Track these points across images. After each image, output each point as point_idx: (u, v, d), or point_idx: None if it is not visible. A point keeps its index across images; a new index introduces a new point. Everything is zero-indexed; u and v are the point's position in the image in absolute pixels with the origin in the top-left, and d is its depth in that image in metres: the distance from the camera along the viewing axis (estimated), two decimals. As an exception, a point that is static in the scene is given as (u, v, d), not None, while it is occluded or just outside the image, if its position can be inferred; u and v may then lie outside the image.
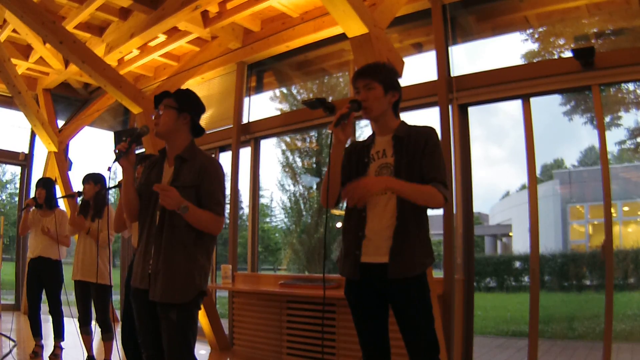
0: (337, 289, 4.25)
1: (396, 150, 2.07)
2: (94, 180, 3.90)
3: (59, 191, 6.37)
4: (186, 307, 2.12)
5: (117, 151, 2.16)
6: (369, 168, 2.11)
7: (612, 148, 12.55)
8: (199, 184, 2.17)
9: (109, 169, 2.25)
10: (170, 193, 2.05)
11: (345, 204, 2.17)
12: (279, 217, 13.43)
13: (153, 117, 2.28)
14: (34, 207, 4.31)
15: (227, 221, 5.65)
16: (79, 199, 4.04)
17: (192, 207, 2.09)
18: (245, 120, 5.70)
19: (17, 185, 9.17)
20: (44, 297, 4.34)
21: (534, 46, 4.36)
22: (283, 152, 10.52)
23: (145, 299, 2.14)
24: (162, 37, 5.52)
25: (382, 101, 2.08)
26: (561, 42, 4.24)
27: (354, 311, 2.11)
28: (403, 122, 2.17)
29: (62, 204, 4.59)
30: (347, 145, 2.16)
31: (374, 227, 2.02)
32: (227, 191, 5.49)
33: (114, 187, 3.58)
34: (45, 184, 4.37)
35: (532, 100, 3.84)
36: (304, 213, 11.12)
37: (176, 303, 2.10)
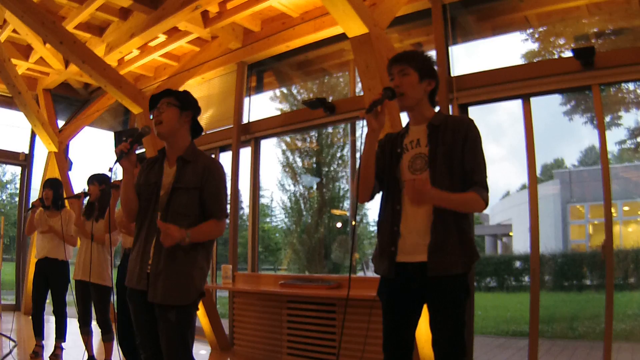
0: (337, 288, 4.25)
1: (431, 139, 1.95)
2: (99, 181, 3.90)
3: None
4: (185, 309, 2.12)
5: (118, 152, 2.13)
6: (402, 159, 2.00)
7: (612, 148, 12.59)
8: (202, 186, 2.17)
9: (111, 169, 2.24)
10: (171, 232, 2.02)
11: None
12: (279, 217, 13.46)
13: (152, 117, 2.23)
14: (40, 208, 4.31)
15: (227, 221, 5.63)
16: (84, 200, 4.03)
17: (193, 231, 2.08)
18: (245, 120, 5.70)
19: (18, 186, 9.16)
20: (48, 297, 4.34)
21: (534, 46, 4.37)
22: (283, 152, 10.56)
23: (143, 300, 2.12)
24: (162, 37, 5.52)
25: (417, 88, 1.97)
26: (561, 41, 4.24)
27: (386, 311, 2.00)
28: (440, 111, 2.07)
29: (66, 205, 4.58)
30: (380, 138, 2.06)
31: (409, 222, 1.93)
32: (228, 191, 5.48)
33: (110, 187, 3.57)
34: (53, 184, 4.36)
35: (532, 99, 3.84)
36: (304, 213, 11.13)
37: (176, 305, 2.09)
